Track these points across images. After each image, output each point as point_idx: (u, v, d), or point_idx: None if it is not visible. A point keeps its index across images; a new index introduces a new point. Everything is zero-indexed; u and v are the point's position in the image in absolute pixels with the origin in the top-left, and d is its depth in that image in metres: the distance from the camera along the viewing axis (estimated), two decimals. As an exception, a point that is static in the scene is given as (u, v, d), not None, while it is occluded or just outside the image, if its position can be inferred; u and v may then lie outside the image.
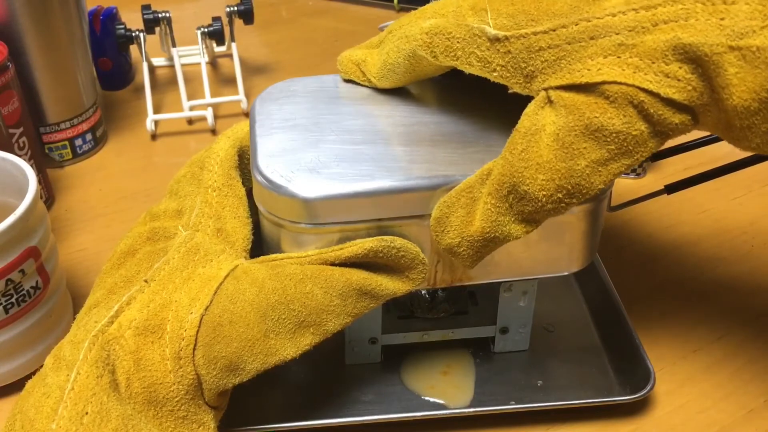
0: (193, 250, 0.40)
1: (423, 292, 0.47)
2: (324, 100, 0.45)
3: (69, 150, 0.69)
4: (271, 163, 0.39)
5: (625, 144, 0.34)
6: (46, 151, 0.68)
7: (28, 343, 0.46)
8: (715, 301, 0.54)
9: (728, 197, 0.63)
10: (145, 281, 0.39)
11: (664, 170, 0.66)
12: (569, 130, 0.34)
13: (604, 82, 0.34)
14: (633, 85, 0.33)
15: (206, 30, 0.78)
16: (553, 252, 0.42)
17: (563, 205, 0.35)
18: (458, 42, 0.38)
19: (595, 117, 0.34)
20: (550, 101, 0.35)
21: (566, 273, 0.43)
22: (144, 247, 0.42)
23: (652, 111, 0.33)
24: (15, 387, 0.45)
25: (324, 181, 0.38)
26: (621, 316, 0.49)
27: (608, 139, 0.34)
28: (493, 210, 0.36)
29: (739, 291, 0.54)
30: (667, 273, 0.56)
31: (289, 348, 0.38)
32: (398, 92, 0.45)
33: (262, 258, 0.40)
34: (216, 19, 0.79)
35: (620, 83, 0.33)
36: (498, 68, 0.37)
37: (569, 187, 0.35)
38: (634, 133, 0.34)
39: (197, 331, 0.36)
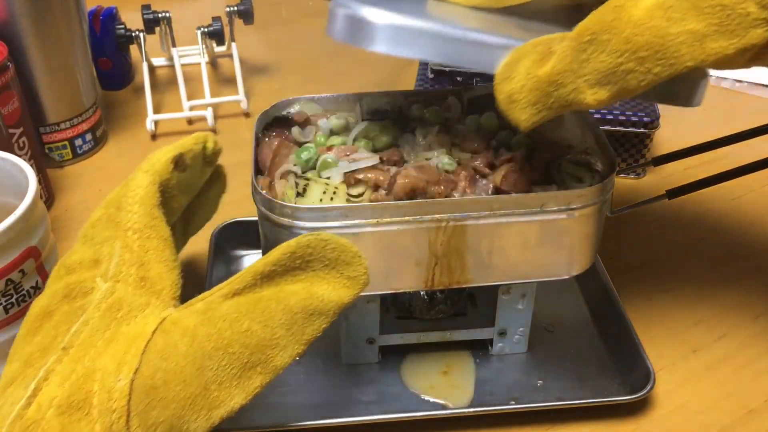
0: (115, 307, 0.36)
1: (422, 293, 0.47)
2: None
3: (69, 150, 0.69)
4: None
5: (728, 21, 0.32)
6: (46, 151, 0.68)
7: (28, 344, 0.46)
8: (715, 301, 0.54)
9: (728, 197, 0.63)
10: (63, 349, 0.34)
11: (664, 170, 0.66)
12: None
13: None
14: None
15: (206, 30, 0.78)
16: (552, 255, 0.42)
17: (643, 70, 0.33)
18: None
19: None
20: None
21: (566, 276, 0.43)
22: (60, 307, 0.37)
23: None
24: (15, 387, 0.45)
25: (394, 13, 0.38)
26: (621, 316, 0.49)
27: (711, 11, 0.32)
28: (569, 54, 0.34)
29: (739, 291, 0.54)
30: (667, 273, 0.56)
31: (237, 395, 0.35)
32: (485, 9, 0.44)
33: (191, 301, 0.36)
34: (216, 19, 0.79)
35: None
36: None
37: (657, 47, 0.32)
38: (739, 11, 0.31)
39: (128, 400, 0.32)
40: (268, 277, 0.36)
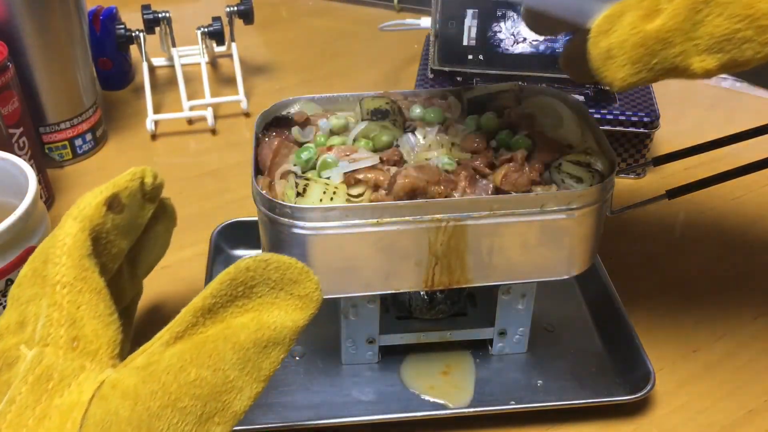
0: (44, 377, 0.31)
1: (422, 293, 0.47)
2: None
3: (69, 150, 0.69)
4: None
5: None
6: (46, 151, 0.68)
7: (28, 344, 0.46)
8: (715, 301, 0.54)
9: (728, 197, 0.63)
10: None
11: (664, 170, 0.66)
12: None
13: None
14: None
15: (206, 30, 0.78)
16: (552, 255, 0.42)
17: (762, 41, 0.30)
18: None
19: None
20: None
21: (566, 277, 0.43)
22: None
23: None
24: (15, 387, 0.45)
25: None
26: (621, 317, 0.49)
27: None
28: (682, 12, 0.31)
29: (739, 291, 0.54)
30: (667, 273, 0.56)
31: None
32: None
33: (131, 356, 0.33)
34: (216, 19, 0.79)
35: None
36: None
37: None
38: None
39: None
40: (210, 311, 0.32)
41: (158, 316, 0.52)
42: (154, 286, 0.54)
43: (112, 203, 0.38)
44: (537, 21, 0.42)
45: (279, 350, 0.33)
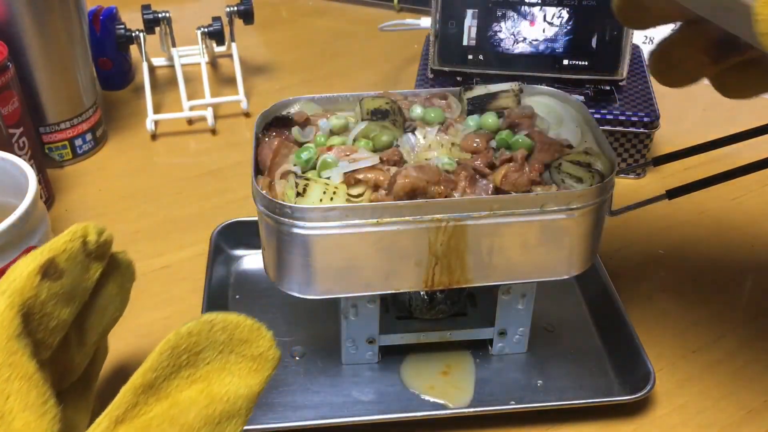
0: None
1: (422, 293, 0.47)
2: None
3: (69, 150, 0.69)
4: None
5: None
6: (46, 151, 0.68)
7: (28, 344, 0.46)
8: (715, 301, 0.54)
9: (728, 197, 0.63)
10: None
11: (664, 170, 0.66)
12: None
13: None
14: None
15: (206, 30, 0.78)
16: (552, 255, 0.42)
17: None
18: None
19: None
20: None
21: (566, 277, 0.43)
22: None
23: None
24: (15, 387, 0.45)
25: None
26: (621, 317, 0.49)
27: None
28: None
29: (739, 291, 0.54)
30: (667, 273, 0.56)
31: None
32: None
33: None
34: (216, 19, 0.79)
35: None
36: None
37: None
38: None
39: None
40: (152, 388, 0.29)
41: (159, 318, 0.52)
42: (155, 286, 0.55)
43: (48, 270, 0.33)
44: (636, 11, 0.40)
45: (235, 423, 0.29)
